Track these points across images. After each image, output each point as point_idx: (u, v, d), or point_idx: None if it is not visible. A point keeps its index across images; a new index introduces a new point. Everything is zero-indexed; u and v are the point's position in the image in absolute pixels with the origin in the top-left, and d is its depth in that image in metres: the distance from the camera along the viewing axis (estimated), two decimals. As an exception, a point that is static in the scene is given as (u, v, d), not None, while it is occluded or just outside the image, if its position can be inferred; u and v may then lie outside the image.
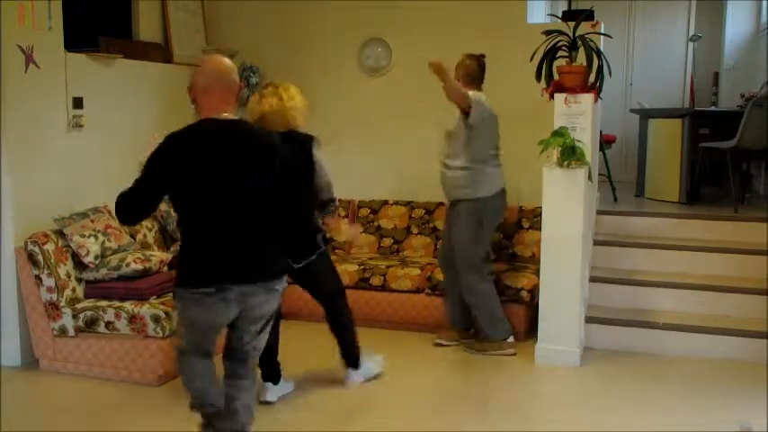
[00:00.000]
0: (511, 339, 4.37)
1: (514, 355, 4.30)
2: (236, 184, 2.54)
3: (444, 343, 4.49)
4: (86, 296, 4.05)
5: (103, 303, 3.93)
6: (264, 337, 2.77)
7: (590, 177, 4.30)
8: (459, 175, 4.24)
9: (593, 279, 4.67)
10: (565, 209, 4.07)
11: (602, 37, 4.66)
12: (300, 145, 3.43)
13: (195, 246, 2.59)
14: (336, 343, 3.84)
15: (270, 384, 3.64)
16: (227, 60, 2.68)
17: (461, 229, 4.27)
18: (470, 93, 4.10)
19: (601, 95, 4.45)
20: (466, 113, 4.09)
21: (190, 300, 2.57)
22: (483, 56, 4.36)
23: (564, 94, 4.16)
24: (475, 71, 4.30)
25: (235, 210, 2.56)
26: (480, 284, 4.28)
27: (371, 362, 3.96)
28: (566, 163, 4.06)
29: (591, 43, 4.11)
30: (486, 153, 4.27)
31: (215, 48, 5.41)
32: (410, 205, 5.43)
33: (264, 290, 2.63)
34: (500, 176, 4.35)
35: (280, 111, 3.50)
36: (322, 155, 3.52)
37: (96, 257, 4.04)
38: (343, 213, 5.53)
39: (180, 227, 2.65)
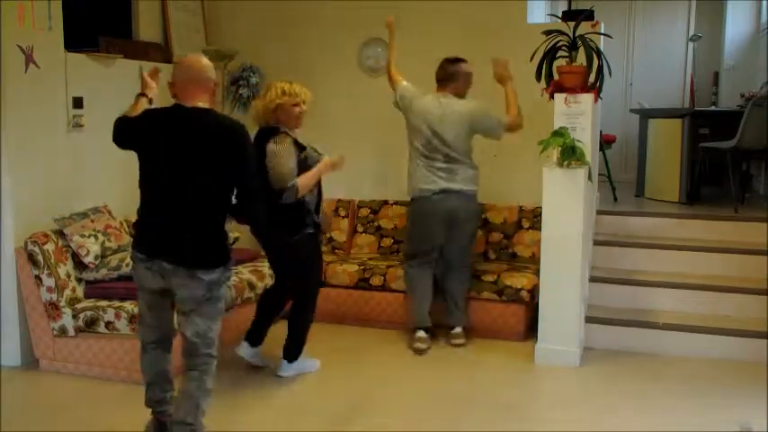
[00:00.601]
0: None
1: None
2: (184, 167, 2.75)
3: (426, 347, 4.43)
4: (86, 296, 4.05)
5: (103, 303, 3.93)
6: (201, 322, 2.83)
7: (590, 177, 4.30)
8: None
9: (593, 279, 4.67)
10: (565, 209, 4.07)
11: (602, 37, 4.66)
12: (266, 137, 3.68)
13: (141, 212, 2.88)
14: (287, 334, 3.94)
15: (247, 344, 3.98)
16: (204, 60, 2.93)
17: None
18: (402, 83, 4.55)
19: (601, 95, 4.45)
20: None
21: (135, 260, 2.89)
22: (456, 60, 4.49)
23: (564, 94, 4.16)
24: (438, 73, 4.51)
25: (177, 191, 2.76)
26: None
27: (308, 362, 4.03)
28: (566, 163, 4.06)
29: (591, 43, 4.11)
30: (412, 149, 4.50)
31: (215, 48, 5.41)
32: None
33: (186, 274, 2.76)
34: (422, 179, 4.41)
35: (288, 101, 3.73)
36: (281, 146, 3.63)
37: (96, 257, 4.04)
38: (343, 213, 5.53)
39: (139, 190, 2.89)
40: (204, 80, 2.86)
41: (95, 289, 4.04)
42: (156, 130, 2.83)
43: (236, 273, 4.48)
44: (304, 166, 3.71)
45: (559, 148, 4.04)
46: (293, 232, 3.74)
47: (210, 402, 2.94)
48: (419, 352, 4.34)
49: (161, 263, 2.77)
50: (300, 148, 3.74)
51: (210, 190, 2.77)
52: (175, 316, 3.00)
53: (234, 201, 2.89)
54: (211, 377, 2.91)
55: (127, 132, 2.95)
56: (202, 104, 2.84)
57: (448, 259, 4.51)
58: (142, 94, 3.17)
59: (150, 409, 3.11)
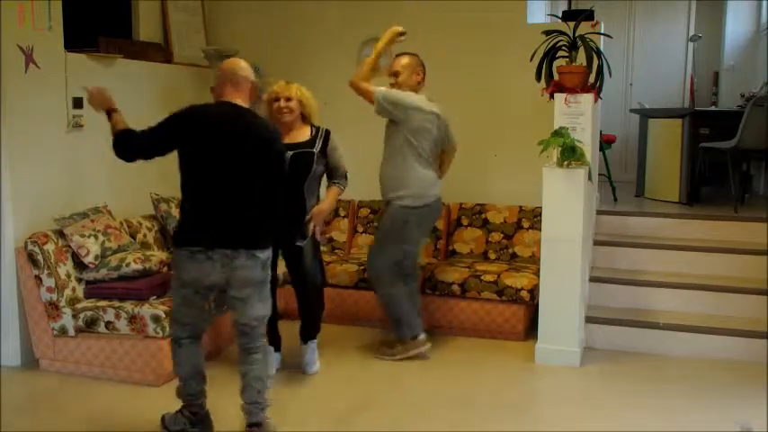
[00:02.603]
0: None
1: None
2: (233, 159, 2.94)
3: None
4: (86, 296, 4.05)
5: (103, 303, 3.93)
6: (260, 305, 3.04)
7: (590, 177, 4.30)
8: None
9: (593, 279, 4.67)
10: (565, 209, 4.07)
11: (602, 37, 4.66)
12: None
13: (191, 209, 2.99)
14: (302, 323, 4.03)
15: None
16: (242, 62, 3.15)
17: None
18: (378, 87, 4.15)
19: (601, 95, 4.45)
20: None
21: (182, 257, 2.97)
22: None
23: (564, 94, 4.16)
24: (422, 70, 4.31)
25: (228, 182, 2.94)
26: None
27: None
28: (566, 163, 4.06)
29: (591, 43, 4.11)
30: (410, 151, 4.19)
31: (215, 48, 5.41)
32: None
33: (246, 255, 2.94)
34: (434, 184, 4.26)
35: (299, 97, 3.86)
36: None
37: (96, 257, 4.04)
38: (343, 213, 5.53)
39: (182, 189, 3.00)
40: (242, 79, 3.07)
41: (95, 289, 4.04)
42: (208, 124, 2.97)
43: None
44: None
45: (559, 148, 4.04)
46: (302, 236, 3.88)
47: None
48: (426, 356, 4.27)
49: (223, 250, 2.91)
50: None
51: (257, 180, 2.99)
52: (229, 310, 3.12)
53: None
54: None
55: (163, 139, 3.00)
56: (240, 102, 3.04)
57: (411, 267, 4.34)
58: (112, 111, 3.12)
59: (183, 403, 3.19)
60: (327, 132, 3.97)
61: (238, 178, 2.96)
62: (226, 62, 3.19)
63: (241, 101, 3.05)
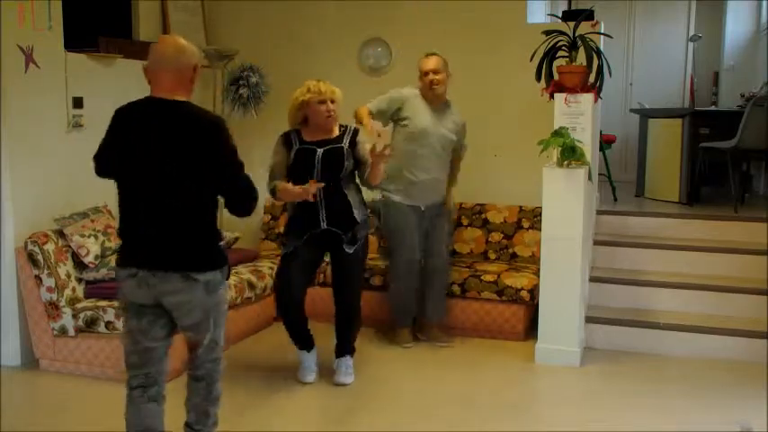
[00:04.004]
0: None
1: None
2: (159, 165, 2.48)
3: (410, 345, 4.50)
4: (86, 296, 4.05)
5: (103, 303, 3.93)
6: (206, 333, 2.63)
7: (590, 177, 4.30)
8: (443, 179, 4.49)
9: (593, 279, 4.67)
10: (565, 209, 4.07)
11: (602, 37, 4.66)
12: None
13: (121, 224, 2.61)
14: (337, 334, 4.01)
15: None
16: (179, 42, 2.58)
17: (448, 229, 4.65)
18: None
19: (601, 95, 4.45)
20: None
21: (119, 279, 2.61)
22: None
23: (564, 94, 4.16)
24: None
25: (153, 194, 2.50)
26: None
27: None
28: (566, 163, 4.06)
29: (591, 43, 4.11)
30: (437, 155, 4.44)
31: (215, 48, 5.40)
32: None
33: (179, 278, 2.50)
34: None
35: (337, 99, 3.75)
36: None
37: (96, 257, 4.04)
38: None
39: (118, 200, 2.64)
40: (181, 65, 2.55)
41: (95, 289, 4.04)
42: (126, 128, 2.57)
43: (236, 273, 4.48)
44: (296, 165, 3.73)
45: (559, 148, 4.04)
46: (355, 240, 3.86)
47: (221, 404, 2.84)
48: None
49: (150, 273, 2.50)
50: (289, 146, 3.75)
51: (191, 188, 2.50)
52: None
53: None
54: (219, 382, 2.78)
55: (104, 149, 2.65)
56: (180, 96, 2.54)
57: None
58: None
59: None
60: (356, 130, 3.89)
61: (165, 189, 2.49)
62: (161, 42, 2.63)
63: (180, 93, 2.55)
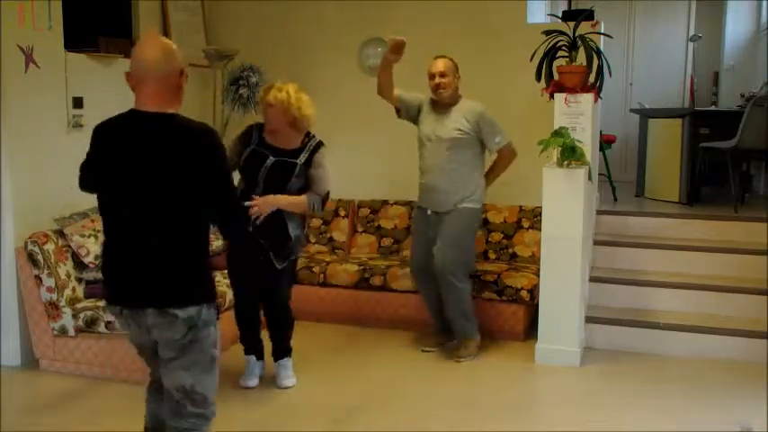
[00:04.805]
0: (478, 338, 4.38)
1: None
2: (140, 189, 2.22)
3: (430, 349, 4.42)
4: (86, 296, 4.06)
5: (103, 303, 3.92)
6: (184, 374, 2.29)
7: (590, 177, 4.30)
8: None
9: (593, 279, 4.67)
10: (565, 209, 4.07)
11: (602, 37, 4.67)
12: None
13: (102, 255, 2.40)
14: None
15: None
16: (162, 45, 2.26)
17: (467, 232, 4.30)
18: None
19: (601, 95, 4.45)
20: None
21: (112, 313, 2.43)
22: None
23: (564, 94, 4.16)
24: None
25: (132, 217, 2.24)
26: (464, 284, 4.26)
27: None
28: (566, 163, 4.07)
29: (591, 43, 4.11)
30: (477, 157, 4.35)
31: (215, 48, 5.41)
32: (410, 205, 5.42)
33: (156, 314, 2.24)
34: None
35: (283, 105, 3.54)
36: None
37: (96, 257, 4.04)
38: (343, 213, 5.53)
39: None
40: (165, 74, 2.24)
41: (95, 289, 4.04)
42: (106, 148, 2.30)
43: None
44: (245, 164, 3.61)
45: (559, 148, 4.04)
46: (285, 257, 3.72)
47: None
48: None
49: (130, 310, 2.29)
50: (246, 143, 3.65)
51: (176, 214, 2.22)
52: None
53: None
54: None
55: (85, 167, 2.45)
56: (167, 108, 2.25)
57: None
58: None
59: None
60: (317, 146, 3.67)
61: (146, 215, 2.22)
62: (139, 45, 2.31)
63: (159, 104, 2.24)
